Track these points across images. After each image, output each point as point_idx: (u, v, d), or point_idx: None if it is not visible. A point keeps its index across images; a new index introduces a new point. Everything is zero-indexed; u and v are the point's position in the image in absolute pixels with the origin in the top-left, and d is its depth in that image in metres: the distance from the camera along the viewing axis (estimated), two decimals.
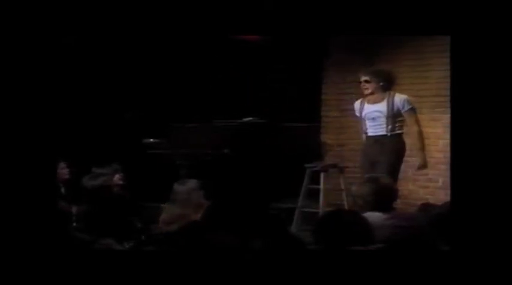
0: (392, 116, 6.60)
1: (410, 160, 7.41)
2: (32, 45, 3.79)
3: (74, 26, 4.01)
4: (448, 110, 7.31)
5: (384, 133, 6.65)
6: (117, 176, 6.16)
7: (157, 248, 4.06)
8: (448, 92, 7.33)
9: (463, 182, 3.65)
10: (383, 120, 6.63)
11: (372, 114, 6.71)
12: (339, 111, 8.51)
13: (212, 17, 4.13)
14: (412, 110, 6.66)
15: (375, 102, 6.71)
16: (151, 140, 7.77)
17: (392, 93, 6.66)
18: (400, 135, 6.71)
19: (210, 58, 8.54)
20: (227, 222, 4.19)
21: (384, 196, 4.64)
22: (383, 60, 7.98)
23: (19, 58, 3.77)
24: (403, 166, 6.98)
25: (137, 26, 4.19)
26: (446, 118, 7.43)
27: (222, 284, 3.46)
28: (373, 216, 4.47)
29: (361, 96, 6.84)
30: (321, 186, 7.53)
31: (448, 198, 6.51)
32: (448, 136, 7.35)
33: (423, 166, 6.77)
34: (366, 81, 6.70)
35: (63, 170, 6.33)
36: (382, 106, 6.66)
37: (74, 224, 4.54)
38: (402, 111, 6.60)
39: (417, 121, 6.68)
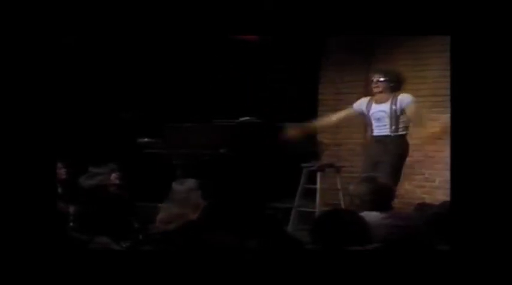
0: (395, 116, 6.62)
1: (407, 159, 7.43)
2: (30, 45, 3.79)
3: (72, 26, 4.00)
4: (446, 110, 7.40)
5: (387, 133, 6.68)
6: (113, 176, 6.17)
7: (155, 247, 4.05)
8: (445, 92, 7.42)
9: (463, 182, 3.66)
10: (387, 120, 6.67)
11: (377, 114, 6.75)
12: (336, 111, 8.50)
13: (210, 16, 4.13)
14: (415, 103, 6.67)
15: (381, 102, 6.75)
16: (148, 139, 7.77)
17: (398, 93, 6.69)
18: (403, 136, 6.72)
19: (207, 58, 8.54)
20: (224, 222, 4.19)
21: (381, 196, 4.64)
22: (380, 60, 7.99)
23: (15, 59, 3.77)
24: None
25: (135, 25, 4.19)
26: (443, 118, 7.45)
27: (219, 284, 3.46)
28: (370, 215, 4.47)
29: (361, 95, 6.86)
30: (318, 186, 7.54)
31: (444, 197, 6.56)
32: (445, 136, 7.43)
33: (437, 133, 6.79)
34: (379, 81, 6.73)
35: (60, 170, 6.32)
36: (386, 106, 6.70)
37: (71, 224, 4.54)
38: (404, 106, 6.61)
39: (420, 113, 6.69)
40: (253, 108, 8.10)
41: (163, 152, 7.70)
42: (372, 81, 6.80)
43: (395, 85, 6.73)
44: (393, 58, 7.58)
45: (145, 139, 7.77)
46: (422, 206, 4.68)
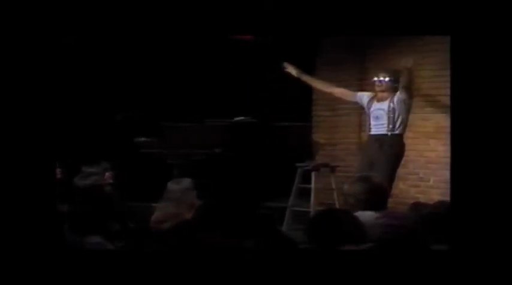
0: (392, 115, 6.67)
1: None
2: (26, 45, 3.79)
3: (71, 27, 4.00)
4: (439, 110, 7.43)
5: (384, 132, 6.73)
6: (107, 175, 6.16)
7: (149, 247, 4.05)
8: (438, 91, 7.44)
9: (463, 181, 3.66)
10: (385, 119, 6.73)
11: (377, 112, 6.85)
12: (331, 110, 8.52)
13: (208, 17, 4.13)
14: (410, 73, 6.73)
15: (381, 100, 6.83)
16: (144, 139, 7.77)
17: (397, 93, 6.74)
18: (400, 136, 6.79)
19: (202, 58, 8.54)
20: (219, 221, 4.19)
21: (376, 195, 4.64)
22: (374, 60, 7.99)
23: (13, 59, 3.77)
24: None
25: (133, 25, 4.19)
26: (437, 117, 7.47)
27: (214, 283, 3.46)
28: (365, 215, 4.48)
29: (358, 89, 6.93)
30: (312, 185, 7.54)
31: (439, 197, 6.58)
32: (439, 135, 7.45)
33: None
34: (384, 80, 6.81)
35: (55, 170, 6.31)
36: (385, 105, 6.79)
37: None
38: (398, 86, 6.70)
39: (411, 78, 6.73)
40: (247, 108, 8.10)
41: (159, 151, 7.69)
42: (376, 80, 6.85)
43: (398, 86, 6.78)
44: (386, 58, 7.58)
45: (141, 139, 7.77)
46: (417, 206, 4.67)
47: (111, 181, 6.13)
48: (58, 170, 6.36)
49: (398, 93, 6.73)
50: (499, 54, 3.65)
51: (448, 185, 7.00)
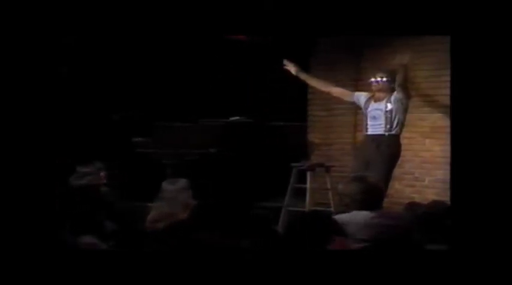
0: (390, 115, 6.67)
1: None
2: (26, 45, 3.79)
3: (69, 27, 4.00)
4: (435, 110, 7.43)
5: (381, 132, 6.74)
6: (102, 175, 6.14)
7: (143, 247, 4.05)
8: (434, 92, 7.44)
9: (463, 181, 3.66)
10: (382, 119, 6.74)
11: (374, 112, 6.86)
12: (326, 111, 8.51)
13: (207, 17, 4.13)
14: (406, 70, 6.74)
15: (378, 100, 6.85)
16: (138, 139, 7.76)
17: (394, 93, 6.74)
18: (397, 136, 6.79)
19: (197, 59, 8.54)
20: (214, 221, 4.19)
21: (371, 195, 4.64)
22: (370, 60, 7.99)
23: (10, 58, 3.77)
24: None
25: (131, 25, 4.19)
26: (432, 117, 7.47)
27: (208, 283, 3.46)
28: (360, 215, 4.48)
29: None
30: (308, 185, 7.53)
31: (434, 197, 6.58)
32: (434, 135, 7.45)
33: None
34: (381, 80, 6.82)
35: None
36: (382, 105, 6.81)
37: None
38: (395, 86, 6.70)
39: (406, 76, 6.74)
40: (242, 108, 8.10)
41: (153, 151, 7.69)
42: (373, 80, 6.87)
43: (395, 86, 6.79)
44: (382, 57, 7.57)
45: (136, 139, 7.76)
46: (412, 206, 4.68)
47: (105, 181, 6.12)
48: None
49: (395, 93, 6.73)
50: (499, 54, 3.65)
51: (443, 185, 7.07)
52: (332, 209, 7.28)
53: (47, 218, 3.81)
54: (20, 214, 3.76)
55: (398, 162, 6.93)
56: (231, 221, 4.17)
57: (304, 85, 7.84)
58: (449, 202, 4.39)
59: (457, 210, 3.66)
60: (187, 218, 4.65)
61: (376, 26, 4.14)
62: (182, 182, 5.22)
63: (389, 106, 6.73)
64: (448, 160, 6.85)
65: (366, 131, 6.95)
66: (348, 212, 4.62)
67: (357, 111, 7.87)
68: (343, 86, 7.51)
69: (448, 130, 6.85)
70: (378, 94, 6.87)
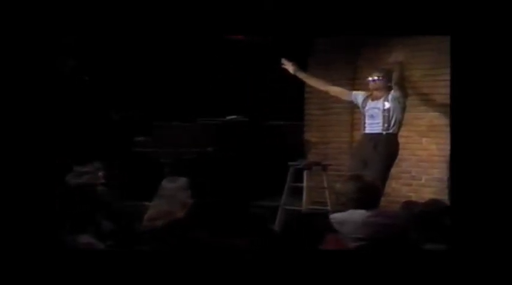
0: (387, 113, 6.69)
1: None
2: (24, 45, 3.79)
3: (67, 26, 4.00)
4: (431, 109, 7.44)
5: (379, 131, 6.75)
6: (100, 174, 6.14)
7: (142, 246, 4.05)
8: (430, 90, 7.45)
9: (463, 180, 3.67)
10: (380, 118, 6.76)
11: (372, 111, 6.88)
12: (323, 109, 8.52)
13: (205, 17, 4.13)
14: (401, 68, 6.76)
15: (376, 99, 6.85)
16: (136, 138, 7.77)
17: (392, 91, 6.76)
18: (394, 135, 6.80)
19: (194, 58, 8.54)
20: (211, 220, 4.19)
21: (368, 194, 4.65)
22: (366, 59, 8.00)
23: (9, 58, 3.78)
24: None
25: (129, 24, 4.19)
26: (429, 116, 7.48)
27: (206, 282, 3.47)
28: (357, 214, 4.48)
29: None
30: (304, 184, 7.54)
31: (431, 196, 6.59)
32: (431, 134, 7.47)
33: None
34: (377, 79, 6.82)
35: None
36: (380, 103, 6.82)
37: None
38: (392, 84, 6.72)
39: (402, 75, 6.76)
40: (239, 107, 8.10)
41: (151, 150, 7.69)
42: (370, 79, 6.88)
43: (391, 85, 6.80)
44: (378, 57, 7.58)
45: (135, 138, 7.77)
46: (409, 205, 4.68)
47: (103, 180, 6.11)
48: None
49: (392, 91, 6.74)
50: (499, 54, 3.66)
51: (440, 184, 7.08)
52: (329, 208, 7.30)
53: (45, 217, 3.82)
54: (18, 213, 3.76)
55: (396, 161, 6.94)
56: (228, 220, 4.17)
57: (301, 84, 7.85)
58: (446, 201, 4.41)
59: (457, 209, 3.67)
60: (184, 217, 4.66)
61: (377, 26, 4.15)
62: (182, 180, 5.22)
63: (386, 104, 6.75)
64: (445, 158, 6.93)
65: (364, 130, 6.96)
66: (345, 211, 4.63)
67: (353, 109, 7.88)
68: (340, 85, 7.52)
69: (445, 128, 6.92)
70: (375, 93, 6.89)
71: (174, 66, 8.57)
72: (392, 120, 6.74)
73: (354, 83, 7.99)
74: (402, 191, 7.69)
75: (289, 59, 7.29)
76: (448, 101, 6.35)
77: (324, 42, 8.48)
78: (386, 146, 6.74)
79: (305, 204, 7.44)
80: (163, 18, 4.13)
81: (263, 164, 7.74)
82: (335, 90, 7.37)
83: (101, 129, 8.10)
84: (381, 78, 6.83)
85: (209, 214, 4.46)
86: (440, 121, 7.28)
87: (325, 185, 7.60)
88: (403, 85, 6.77)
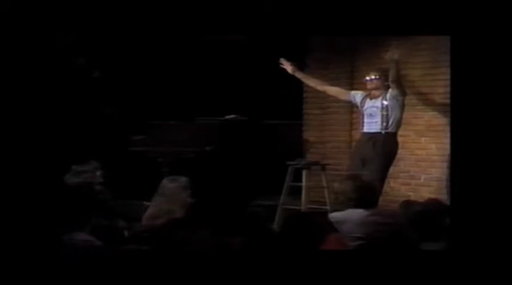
0: (386, 112, 6.69)
1: None
2: (21, 44, 3.79)
3: (65, 26, 4.00)
4: (429, 108, 7.43)
5: (378, 130, 6.74)
6: (98, 173, 6.13)
7: (141, 245, 4.05)
8: (428, 90, 7.44)
9: (463, 180, 3.67)
10: (379, 117, 6.76)
11: (370, 110, 6.88)
12: (321, 109, 8.52)
13: (205, 17, 4.13)
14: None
15: (375, 98, 6.85)
16: (134, 137, 7.76)
17: (389, 90, 6.76)
18: (393, 134, 6.80)
19: (194, 57, 8.54)
20: (210, 220, 4.19)
21: (366, 193, 4.65)
22: (364, 58, 8.00)
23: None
24: None
25: (127, 23, 4.19)
26: (428, 115, 7.48)
27: (205, 281, 3.46)
28: (356, 213, 4.48)
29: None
30: (303, 183, 7.54)
31: (429, 195, 6.58)
32: (429, 133, 7.46)
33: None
34: (374, 79, 6.84)
35: None
36: (378, 102, 6.82)
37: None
38: (389, 82, 6.70)
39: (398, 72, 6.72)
40: (238, 106, 8.10)
41: (149, 150, 7.69)
42: (367, 79, 6.89)
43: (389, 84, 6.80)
44: (376, 56, 7.58)
45: (132, 137, 7.76)
46: (407, 204, 4.68)
47: (101, 179, 6.11)
48: None
49: (390, 90, 6.74)
50: (499, 54, 3.66)
51: (439, 183, 7.08)
52: (328, 207, 7.29)
53: (42, 216, 3.81)
54: (15, 211, 3.76)
55: (394, 160, 6.94)
56: (226, 219, 4.17)
57: (300, 84, 7.85)
58: (445, 200, 4.40)
59: (456, 209, 3.66)
60: (184, 217, 4.66)
61: (377, 26, 4.15)
62: (183, 180, 5.22)
63: (385, 103, 6.75)
64: (443, 158, 6.93)
65: (363, 129, 6.96)
66: (344, 210, 4.62)
67: (352, 109, 7.88)
68: (338, 85, 7.52)
69: (444, 128, 6.92)
70: (373, 92, 6.90)
71: (172, 65, 8.56)
72: (390, 119, 6.74)
73: (353, 82, 7.99)
74: (401, 191, 7.69)
75: (288, 59, 7.29)
76: (446, 100, 6.40)
77: (322, 41, 8.48)
78: (385, 145, 6.74)
79: (304, 203, 7.44)
80: (162, 18, 4.13)
81: (262, 163, 7.73)
82: (333, 90, 7.37)
83: (98, 127, 8.09)
84: (377, 77, 6.84)
85: (208, 213, 4.46)
86: (439, 120, 7.27)
87: (324, 184, 7.59)
88: (400, 83, 6.76)
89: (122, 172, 7.28)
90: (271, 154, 7.80)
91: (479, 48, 3.69)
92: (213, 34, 6.43)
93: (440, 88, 7.16)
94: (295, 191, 7.63)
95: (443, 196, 5.96)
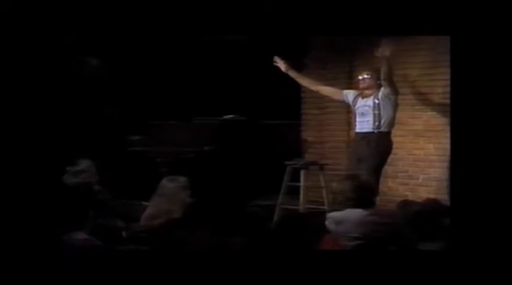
0: (378, 111, 6.67)
1: (390, 157, 7.45)
2: (20, 44, 3.80)
3: (64, 26, 4.01)
4: (428, 108, 7.44)
5: (370, 130, 6.73)
6: (96, 173, 6.13)
7: (139, 246, 4.05)
8: (427, 90, 7.45)
9: (463, 180, 3.67)
10: (370, 116, 6.73)
11: (362, 109, 6.86)
12: (319, 109, 8.53)
13: (204, 17, 4.13)
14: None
15: (367, 97, 6.83)
16: (133, 137, 7.77)
17: (382, 88, 6.74)
18: (387, 133, 6.76)
19: (192, 57, 8.54)
20: (208, 219, 4.20)
21: (365, 193, 4.66)
22: (361, 58, 8.00)
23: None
24: None
25: (125, 24, 4.19)
26: (426, 115, 7.49)
27: (203, 281, 3.47)
28: (354, 212, 4.50)
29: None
30: (301, 183, 7.55)
31: (427, 195, 6.59)
32: (428, 133, 7.47)
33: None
34: (365, 78, 6.83)
35: None
36: (370, 101, 6.79)
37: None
38: (381, 80, 6.67)
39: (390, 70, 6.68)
40: (237, 106, 8.10)
41: (148, 149, 7.69)
42: (360, 78, 6.89)
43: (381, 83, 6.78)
44: (373, 56, 7.58)
45: (131, 137, 7.76)
46: (405, 204, 4.69)
47: (100, 179, 6.11)
48: None
49: (382, 88, 6.71)
50: (499, 54, 3.66)
51: (437, 183, 7.09)
52: (326, 207, 7.30)
53: (42, 216, 3.81)
54: (15, 211, 3.76)
55: (392, 160, 6.95)
56: (225, 219, 4.17)
57: (298, 84, 7.85)
58: (443, 200, 4.41)
59: (456, 209, 3.67)
60: (182, 217, 4.66)
61: (377, 26, 4.16)
62: (182, 180, 5.22)
63: (376, 102, 6.71)
64: (442, 158, 6.94)
65: (355, 128, 6.94)
66: (342, 210, 4.64)
67: (350, 109, 7.88)
68: (336, 84, 7.52)
69: (442, 128, 6.93)
70: (365, 92, 6.86)
71: (172, 65, 8.56)
72: (383, 118, 6.70)
73: (351, 82, 7.99)
74: (399, 191, 7.70)
75: (285, 58, 7.29)
76: (445, 101, 6.41)
77: (321, 41, 8.49)
78: (379, 145, 6.69)
79: (302, 203, 7.45)
80: (162, 18, 4.13)
81: (260, 163, 7.74)
82: (326, 90, 7.36)
83: (98, 127, 8.09)
84: (370, 76, 6.81)
85: (207, 213, 4.46)
86: (438, 120, 7.28)
87: (322, 184, 7.60)
88: (392, 81, 6.71)
89: (121, 172, 7.28)
90: (269, 154, 7.81)
91: (479, 48, 3.69)
92: (213, 34, 6.43)
93: (439, 88, 7.17)
94: (294, 191, 7.64)
95: (442, 196, 5.97)
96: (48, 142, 5.75)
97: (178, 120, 7.77)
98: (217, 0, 4.12)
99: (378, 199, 5.20)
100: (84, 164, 6.02)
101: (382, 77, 6.66)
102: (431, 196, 6.19)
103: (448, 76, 3.94)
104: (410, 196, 7.23)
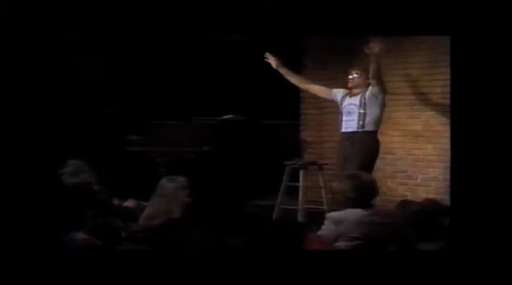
0: (363, 110, 6.62)
1: (389, 157, 7.46)
2: (19, 44, 3.80)
3: (63, 26, 4.01)
4: (427, 108, 7.45)
5: (354, 129, 6.69)
6: (95, 173, 6.13)
7: (138, 246, 4.06)
8: (426, 90, 7.46)
9: (463, 180, 3.68)
10: (356, 115, 6.68)
11: (348, 107, 6.79)
12: (319, 109, 8.53)
13: (204, 17, 4.13)
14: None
15: (354, 95, 6.78)
16: (132, 137, 7.76)
17: (370, 87, 6.70)
18: (372, 132, 6.69)
19: (191, 57, 8.54)
20: (207, 219, 4.20)
21: (364, 192, 4.66)
22: (360, 58, 8.00)
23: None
24: (382, 163, 7.03)
25: (125, 24, 4.20)
26: (425, 115, 7.49)
27: (203, 281, 3.47)
28: (353, 212, 4.50)
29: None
30: (300, 183, 7.55)
31: (426, 195, 6.60)
32: (427, 133, 7.48)
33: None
34: (354, 77, 6.79)
35: None
36: (357, 99, 6.73)
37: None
38: (370, 78, 6.63)
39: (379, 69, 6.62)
40: (236, 106, 8.10)
41: (147, 150, 7.69)
42: (349, 77, 6.84)
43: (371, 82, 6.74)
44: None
45: (130, 137, 7.76)
46: (405, 204, 4.70)
47: (99, 179, 6.11)
48: None
49: (370, 87, 6.66)
50: (499, 54, 3.67)
51: (436, 183, 7.09)
52: (325, 207, 7.31)
53: (41, 216, 3.82)
54: (15, 211, 3.76)
55: (391, 160, 6.94)
56: (224, 219, 4.18)
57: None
58: (442, 200, 4.42)
59: (456, 209, 3.68)
60: (181, 217, 4.66)
61: (377, 26, 4.16)
62: (181, 180, 5.22)
63: (363, 100, 6.64)
64: (441, 158, 6.93)
65: (341, 128, 6.87)
66: (341, 209, 4.64)
67: None
68: (335, 84, 7.51)
69: (441, 128, 6.93)
70: (354, 91, 6.80)
71: (171, 65, 8.56)
72: (367, 117, 6.62)
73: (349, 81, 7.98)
74: (398, 191, 7.70)
75: (286, 59, 7.28)
76: (444, 101, 6.41)
77: (321, 41, 8.49)
78: (363, 144, 6.62)
79: (301, 203, 7.45)
80: (161, 18, 4.13)
81: (259, 163, 7.73)
82: (314, 89, 7.33)
83: (97, 127, 8.10)
84: (358, 75, 6.77)
85: (206, 213, 4.46)
86: (437, 120, 7.29)
87: (321, 184, 7.61)
88: (381, 80, 6.64)
89: (120, 172, 7.28)
90: (268, 154, 7.80)
91: (479, 48, 3.70)
92: (212, 34, 6.43)
93: (439, 88, 7.17)
94: (293, 191, 7.64)
95: (441, 196, 5.98)
96: (48, 142, 5.75)
97: (178, 120, 7.77)
98: (217, 0, 4.12)
99: (376, 199, 5.19)
100: (83, 164, 6.03)
101: (370, 75, 6.59)
102: (431, 196, 6.20)
103: (448, 76, 3.94)
104: (410, 196, 7.24)
